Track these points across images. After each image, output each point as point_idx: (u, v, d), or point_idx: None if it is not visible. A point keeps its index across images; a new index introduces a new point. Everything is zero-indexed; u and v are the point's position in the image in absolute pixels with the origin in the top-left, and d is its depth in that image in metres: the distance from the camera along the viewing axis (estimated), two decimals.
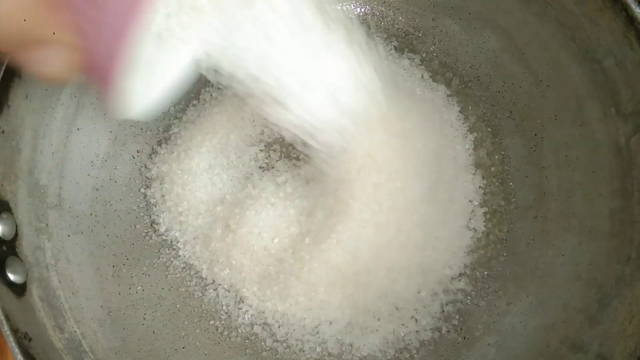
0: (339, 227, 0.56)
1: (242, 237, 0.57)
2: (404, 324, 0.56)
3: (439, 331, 0.56)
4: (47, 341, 0.47)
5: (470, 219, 0.59)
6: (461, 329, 0.56)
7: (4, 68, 0.47)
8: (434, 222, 0.57)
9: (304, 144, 0.61)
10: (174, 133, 0.63)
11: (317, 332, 0.56)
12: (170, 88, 0.40)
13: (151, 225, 0.61)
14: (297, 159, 0.61)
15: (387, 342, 0.56)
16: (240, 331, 0.57)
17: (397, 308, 0.56)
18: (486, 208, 0.59)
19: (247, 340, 0.57)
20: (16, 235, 0.48)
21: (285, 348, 0.57)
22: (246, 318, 0.58)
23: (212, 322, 0.58)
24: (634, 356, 0.45)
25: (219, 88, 0.64)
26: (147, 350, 0.54)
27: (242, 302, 0.58)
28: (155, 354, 0.54)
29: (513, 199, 0.59)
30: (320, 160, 0.61)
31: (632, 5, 0.48)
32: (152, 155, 0.63)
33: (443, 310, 0.57)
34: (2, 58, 0.48)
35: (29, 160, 0.51)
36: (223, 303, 0.58)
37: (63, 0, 0.31)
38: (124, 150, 0.62)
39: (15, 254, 0.47)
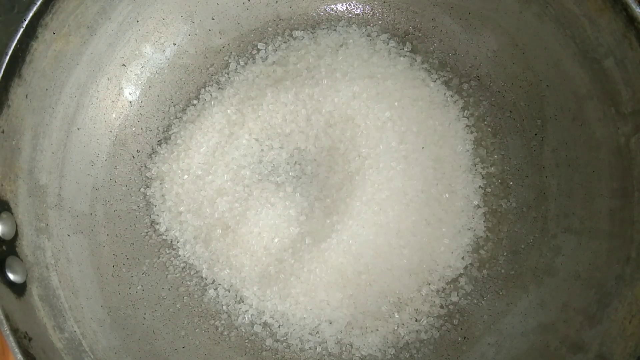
0: (339, 227, 0.56)
1: (242, 237, 0.57)
2: (404, 324, 0.56)
3: (439, 331, 0.56)
4: (47, 341, 0.47)
5: (470, 219, 0.59)
6: (461, 328, 0.56)
7: (4, 68, 0.47)
8: (434, 222, 0.57)
9: (305, 144, 0.61)
10: (174, 133, 0.63)
11: (317, 332, 0.56)
12: None
13: (151, 225, 0.61)
14: (298, 159, 0.61)
15: (387, 342, 0.56)
16: (240, 331, 0.58)
17: (397, 308, 0.56)
18: (486, 208, 0.59)
19: (247, 340, 0.57)
20: (16, 235, 0.48)
21: (285, 348, 0.57)
22: (246, 318, 0.58)
23: (212, 322, 0.58)
24: (634, 356, 0.45)
25: (219, 88, 0.65)
26: (147, 350, 0.54)
27: (242, 302, 0.58)
28: (155, 354, 0.54)
29: (513, 199, 0.59)
30: (320, 161, 0.61)
31: (632, 5, 0.48)
32: (152, 155, 0.63)
33: (443, 310, 0.57)
34: (2, 58, 0.48)
35: (29, 160, 0.52)
36: (223, 303, 0.58)
37: None
38: (124, 150, 0.62)
39: (15, 254, 0.47)
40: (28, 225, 0.50)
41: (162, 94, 0.64)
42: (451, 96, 0.63)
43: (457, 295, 0.57)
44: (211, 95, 0.64)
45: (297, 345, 0.57)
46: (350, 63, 0.61)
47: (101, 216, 0.58)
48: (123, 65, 0.61)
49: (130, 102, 0.62)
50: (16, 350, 0.42)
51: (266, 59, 0.65)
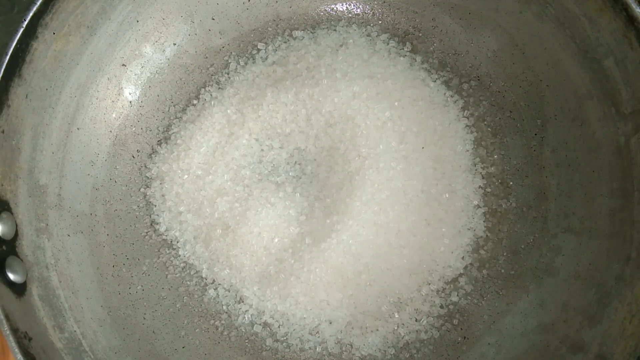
0: (339, 227, 0.56)
1: (242, 237, 0.57)
2: (404, 324, 0.56)
3: (439, 331, 0.56)
4: (47, 341, 0.47)
5: (470, 219, 0.59)
6: (461, 328, 0.56)
7: (4, 68, 0.47)
8: (434, 222, 0.57)
9: (305, 144, 0.61)
10: (174, 133, 0.63)
11: (317, 332, 0.56)
12: None
13: (151, 225, 0.61)
14: (298, 159, 0.61)
15: (387, 342, 0.56)
16: (240, 331, 0.58)
17: (397, 308, 0.56)
18: (486, 208, 0.59)
19: (247, 340, 0.57)
20: (16, 235, 0.48)
21: (285, 348, 0.57)
22: (246, 318, 0.58)
23: (212, 321, 0.58)
24: (634, 356, 0.45)
25: (219, 88, 0.65)
26: (147, 350, 0.54)
27: (242, 301, 0.58)
28: (155, 354, 0.54)
29: (513, 199, 0.59)
30: (320, 161, 0.61)
31: (632, 5, 0.48)
32: (152, 155, 0.63)
33: (443, 310, 0.57)
34: (2, 58, 0.48)
35: (29, 160, 0.52)
36: (223, 303, 0.58)
37: None
38: (124, 150, 0.62)
39: (15, 254, 0.47)
40: (28, 225, 0.50)
41: (162, 94, 0.64)
42: (451, 96, 0.63)
43: (457, 295, 0.57)
44: (211, 95, 0.64)
45: (297, 345, 0.57)
46: (350, 63, 0.61)
47: (101, 216, 0.58)
48: (123, 65, 0.61)
49: (130, 102, 0.62)
50: (16, 350, 0.42)
51: (266, 59, 0.65)
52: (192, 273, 0.59)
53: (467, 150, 0.61)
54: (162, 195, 0.61)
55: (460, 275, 0.58)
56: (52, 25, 0.52)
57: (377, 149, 0.58)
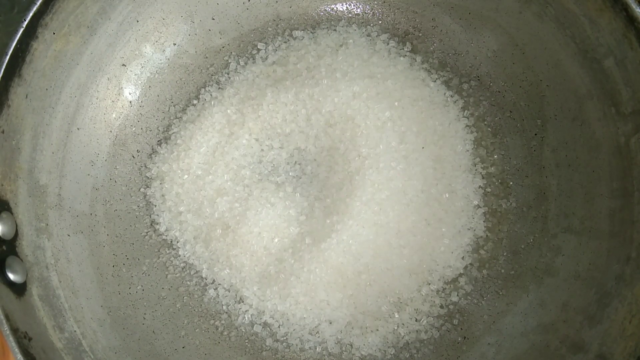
0: (339, 227, 0.56)
1: (242, 237, 0.57)
2: (404, 324, 0.56)
3: (439, 331, 0.56)
4: (47, 341, 0.47)
5: (470, 219, 0.59)
6: (461, 328, 0.56)
7: (4, 68, 0.47)
8: (434, 222, 0.57)
9: (305, 144, 0.61)
10: (174, 133, 0.63)
11: (317, 332, 0.56)
12: None
13: (151, 225, 0.61)
14: (298, 159, 0.61)
15: (387, 342, 0.56)
16: (240, 331, 0.58)
17: (397, 308, 0.56)
18: (486, 208, 0.59)
19: (247, 340, 0.57)
20: (16, 235, 0.48)
21: (285, 347, 0.57)
22: (246, 318, 0.58)
23: (212, 321, 0.58)
24: (634, 356, 0.45)
25: (219, 88, 0.65)
26: (147, 350, 0.54)
27: (242, 301, 0.58)
28: (155, 354, 0.54)
29: (513, 199, 0.59)
30: (320, 161, 0.61)
31: (632, 5, 0.48)
32: (152, 155, 0.63)
33: (443, 310, 0.57)
34: (2, 58, 0.48)
35: (29, 160, 0.52)
36: (223, 303, 0.58)
37: None
38: (124, 150, 0.62)
39: (15, 254, 0.47)
40: (28, 225, 0.50)
41: (162, 94, 0.64)
42: (451, 96, 0.63)
43: (457, 295, 0.57)
44: (211, 95, 0.64)
45: (297, 345, 0.57)
46: (350, 63, 0.61)
47: (101, 216, 0.58)
48: (123, 65, 0.61)
49: (130, 102, 0.62)
50: (16, 350, 0.42)
51: (266, 59, 0.65)
52: (192, 273, 0.59)
53: (467, 150, 0.61)
54: (162, 195, 0.61)
55: (460, 275, 0.58)
56: (52, 25, 0.52)
57: (377, 149, 0.58)
